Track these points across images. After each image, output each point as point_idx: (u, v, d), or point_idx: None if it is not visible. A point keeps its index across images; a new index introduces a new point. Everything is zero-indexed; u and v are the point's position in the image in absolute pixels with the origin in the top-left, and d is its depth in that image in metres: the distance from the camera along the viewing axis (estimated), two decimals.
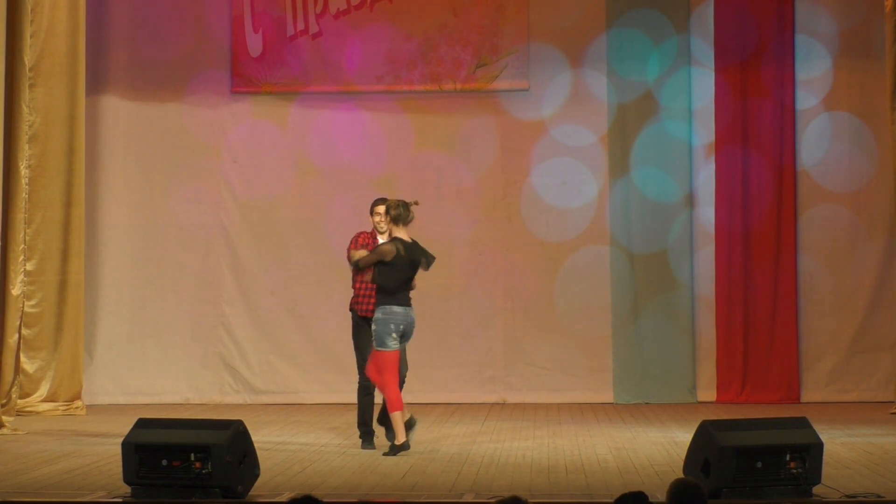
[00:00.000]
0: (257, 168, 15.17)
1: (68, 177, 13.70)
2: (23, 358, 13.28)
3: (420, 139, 15.08)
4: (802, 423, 8.50)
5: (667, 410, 13.90)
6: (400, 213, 10.54)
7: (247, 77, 15.13)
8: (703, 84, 14.94)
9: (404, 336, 10.57)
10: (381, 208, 10.85)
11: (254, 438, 8.68)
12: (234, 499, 8.28)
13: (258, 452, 8.68)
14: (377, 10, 15.06)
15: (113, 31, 15.09)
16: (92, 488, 8.86)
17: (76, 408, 13.82)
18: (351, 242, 11.04)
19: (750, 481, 8.18)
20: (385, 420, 10.74)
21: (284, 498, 8.23)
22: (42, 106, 13.35)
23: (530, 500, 6.28)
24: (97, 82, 14.85)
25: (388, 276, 10.49)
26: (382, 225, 10.83)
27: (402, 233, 10.55)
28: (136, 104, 15.15)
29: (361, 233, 11.11)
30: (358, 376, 11.00)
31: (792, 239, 14.84)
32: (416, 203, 10.69)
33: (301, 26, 15.11)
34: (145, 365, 15.05)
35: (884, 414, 13.51)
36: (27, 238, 13.16)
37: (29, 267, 13.26)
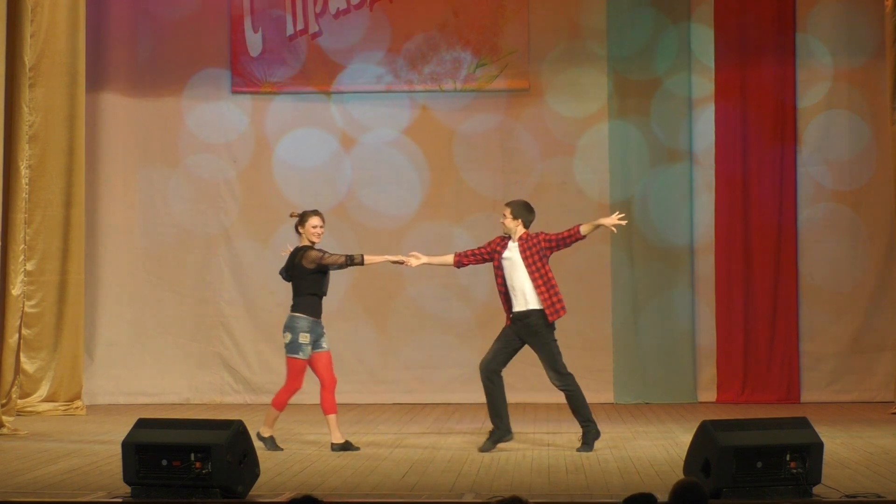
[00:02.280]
0: (257, 168, 15.16)
1: (68, 177, 13.69)
2: (23, 358, 13.27)
3: (420, 139, 15.06)
4: (802, 423, 8.50)
5: (667, 410, 13.89)
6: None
7: (247, 77, 15.13)
8: (703, 83, 14.94)
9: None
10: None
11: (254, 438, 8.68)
12: (234, 499, 8.28)
13: (258, 452, 8.68)
14: (377, 10, 15.07)
15: (113, 30, 15.09)
16: (92, 488, 8.85)
17: (76, 408, 13.82)
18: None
19: (750, 481, 8.17)
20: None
21: (284, 498, 8.22)
22: (42, 106, 13.34)
23: (530, 500, 6.28)
24: (97, 82, 14.85)
25: None
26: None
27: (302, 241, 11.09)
28: (136, 104, 15.16)
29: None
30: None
31: (792, 239, 14.84)
32: (291, 215, 11.17)
33: (301, 26, 15.11)
34: (145, 365, 15.05)
35: (884, 414, 13.50)
36: (27, 238, 13.15)
37: (29, 267, 13.25)
